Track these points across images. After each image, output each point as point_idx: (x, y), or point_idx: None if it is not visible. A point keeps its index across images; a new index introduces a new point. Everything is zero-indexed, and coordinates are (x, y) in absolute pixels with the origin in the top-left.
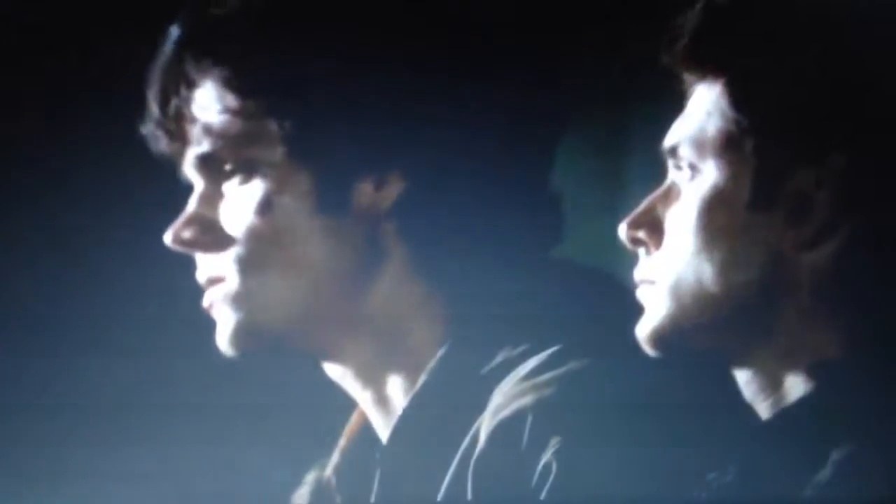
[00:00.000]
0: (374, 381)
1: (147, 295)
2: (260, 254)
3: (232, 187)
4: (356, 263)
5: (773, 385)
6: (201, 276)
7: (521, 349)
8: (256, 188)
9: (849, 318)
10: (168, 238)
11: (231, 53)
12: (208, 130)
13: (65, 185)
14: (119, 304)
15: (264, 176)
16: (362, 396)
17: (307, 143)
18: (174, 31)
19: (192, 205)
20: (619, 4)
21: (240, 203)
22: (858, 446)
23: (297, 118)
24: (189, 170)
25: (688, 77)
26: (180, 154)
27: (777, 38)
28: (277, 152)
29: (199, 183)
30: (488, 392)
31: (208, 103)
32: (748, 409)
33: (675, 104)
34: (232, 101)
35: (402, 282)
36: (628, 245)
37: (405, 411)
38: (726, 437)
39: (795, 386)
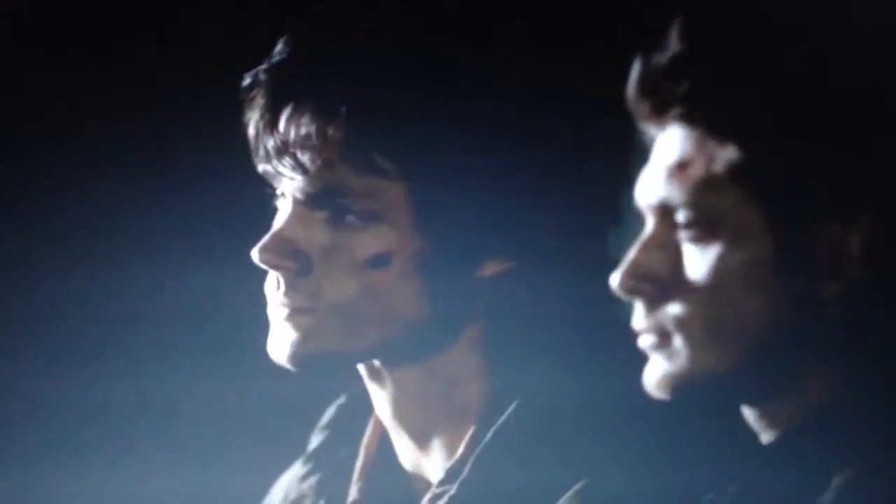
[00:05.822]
0: (408, 412)
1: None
2: (357, 302)
3: (345, 229)
4: (445, 320)
5: (782, 418)
6: (278, 299)
7: None
8: (375, 240)
9: (866, 356)
10: (255, 255)
11: (379, 112)
12: (333, 171)
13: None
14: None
15: (385, 230)
16: (390, 421)
17: (433, 215)
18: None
19: (281, 224)
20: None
21: (353, 248)
22: (862, 470)
23: (429, 190)
24: (286, 190)
25: (647, 126)
26: (280, 174)
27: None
28: (403, 214)
29: (290, 202)
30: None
31: (345, 150)
32: (749, 431)
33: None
34: (378, 157)
35: (470, 351)
36: (623, 296)
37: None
38: (726, 459)
39: (802, 415)
